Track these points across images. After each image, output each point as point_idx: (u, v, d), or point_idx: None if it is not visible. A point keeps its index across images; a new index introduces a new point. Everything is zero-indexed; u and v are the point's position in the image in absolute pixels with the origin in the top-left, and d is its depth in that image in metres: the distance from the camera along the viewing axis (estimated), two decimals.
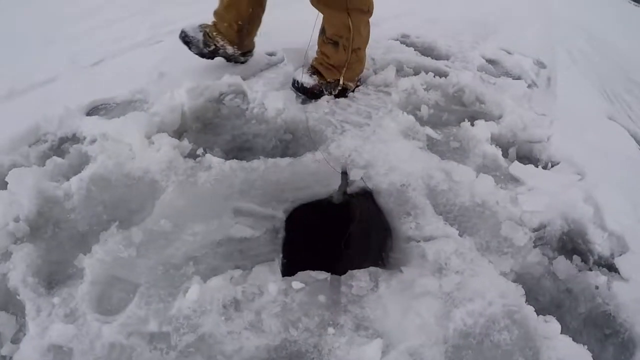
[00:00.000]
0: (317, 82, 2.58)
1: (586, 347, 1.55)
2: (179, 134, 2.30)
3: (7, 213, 1.85)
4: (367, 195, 2.03)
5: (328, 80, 2.60)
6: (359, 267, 1.72)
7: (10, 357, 1.52)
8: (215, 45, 2.69)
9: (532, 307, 1.62)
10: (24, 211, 1.87)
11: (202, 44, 2.70)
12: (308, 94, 2.59)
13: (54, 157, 2.17)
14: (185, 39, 2.71)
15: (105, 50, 3.46)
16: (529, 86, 3.00)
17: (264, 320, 1.55)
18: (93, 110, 2.69)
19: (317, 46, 2.65)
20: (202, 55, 2.75)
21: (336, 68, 2.59)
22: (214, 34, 2.70)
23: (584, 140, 2.38)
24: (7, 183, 1.95)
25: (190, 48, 2.72)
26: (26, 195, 1.89)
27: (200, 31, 2.70)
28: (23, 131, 2.44)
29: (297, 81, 2.57)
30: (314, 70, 2.61)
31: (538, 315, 1.60)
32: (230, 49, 2.77)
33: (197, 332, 1.51)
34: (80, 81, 3.07)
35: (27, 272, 1.70)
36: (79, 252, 1.77)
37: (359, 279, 1.67)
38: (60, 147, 2.40)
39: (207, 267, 1.71)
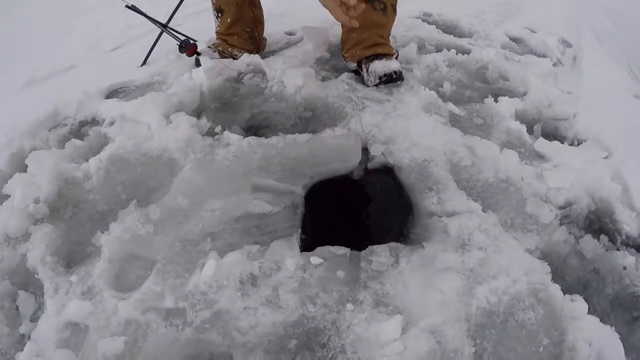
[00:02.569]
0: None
1: (614, 328, 1.48)
2: (197, 113, 2.28)
3: (27, 195, 1.86)
4: (388, 171, 1.98)
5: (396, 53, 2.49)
6: (380, 243, 1.68)
7: (29, 335, 1.53)
8: (234, 58, 2.63)
9: (558, 285, 1.55)
10: (43, 192, 1.88)
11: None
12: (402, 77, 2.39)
13: (74, 140, 2.19)
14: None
15: (124, 36, 3.48)
16: (554, 64, 2.92)
17: (281, 296, 1.52)
18: (112, 94, 2.71)
19: (352, 29, 2.37)
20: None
21: (389, 35, 2.49)
22: (229, 49, 2.66)
23: (611, 119, 2.31)
24: (27, 166, 1.97)
25: None
26: (45, 177, 1.90)
27: (214, 50, 2.67)
28: (43, 116, 2.48)
29: (395, 71, 2.33)
30: (384, 54, 2.41)
31: (564, 294, 1.54)
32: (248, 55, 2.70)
33: (213, 307, 1.50)
34: (99, 66, 3.11)
35: (46, 252, 1.71)
36: (98, 231, 1.77)
37: (379, 254, 1.63)
38: (79, 131, 2.43)
39: (225, 243, 1.69)
